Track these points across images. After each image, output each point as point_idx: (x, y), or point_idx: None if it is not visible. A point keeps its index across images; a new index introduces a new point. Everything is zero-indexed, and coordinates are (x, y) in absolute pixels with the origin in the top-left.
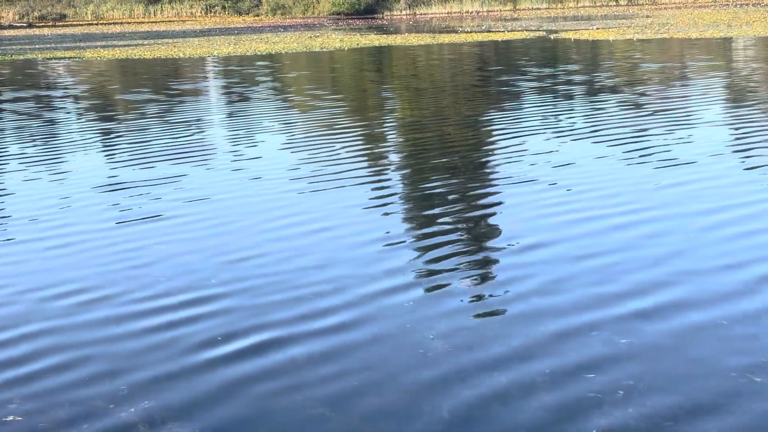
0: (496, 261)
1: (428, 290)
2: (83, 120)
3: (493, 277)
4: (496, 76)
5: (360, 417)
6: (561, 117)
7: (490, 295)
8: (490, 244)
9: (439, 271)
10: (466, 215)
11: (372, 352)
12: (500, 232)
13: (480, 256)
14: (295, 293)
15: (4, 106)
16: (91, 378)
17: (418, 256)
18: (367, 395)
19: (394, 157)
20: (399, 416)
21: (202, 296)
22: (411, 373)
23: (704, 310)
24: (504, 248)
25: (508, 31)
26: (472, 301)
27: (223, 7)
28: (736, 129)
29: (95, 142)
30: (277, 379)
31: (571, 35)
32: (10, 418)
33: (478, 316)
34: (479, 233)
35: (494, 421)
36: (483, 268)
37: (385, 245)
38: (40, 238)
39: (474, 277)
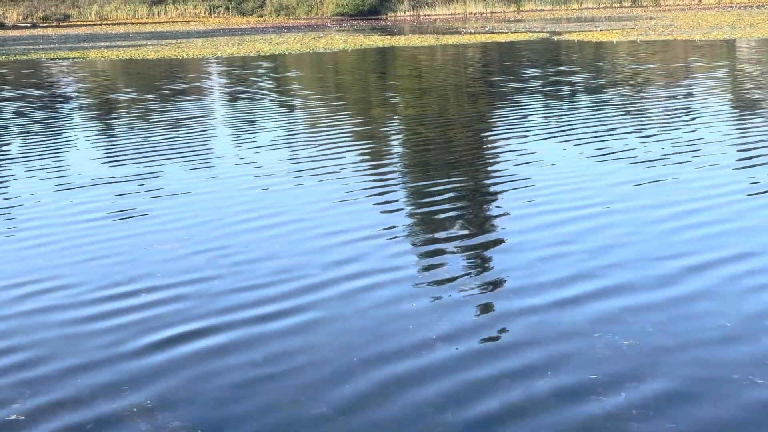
0: (497, 262)
1: (432, 292)
2: (83, 119)
3: (496, 278)
4: (499, 77)
5: (361, 420)
6: (564, 118)
7: (494, 297)
8: (493, 245)
9: (441, 272)
10: (469, 215)
11: (374, 353)
12: (503, 233)
13: (482, 257)
14: (294, 294)
15: (7, 105)
16: (69, 371)
17: (422, 257)
18: (369, 397)
19: (396, 157)
20: (401, 419)
21: (205, 293)
22: (413, 374)
23: (707, 311)
24: (507, 249)
25: (511, 33)
26: (475, 302)
27: (227, 8)
28: (742, 132)
29: (95, 141)
30: (279, 381)
31: (574, 37)
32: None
33: (480, 317)
34: (481, 234)
35: (496, 421)
36: (485, 270)
37: (389, 246)
38: (26, 234)
39: (476, 279)
